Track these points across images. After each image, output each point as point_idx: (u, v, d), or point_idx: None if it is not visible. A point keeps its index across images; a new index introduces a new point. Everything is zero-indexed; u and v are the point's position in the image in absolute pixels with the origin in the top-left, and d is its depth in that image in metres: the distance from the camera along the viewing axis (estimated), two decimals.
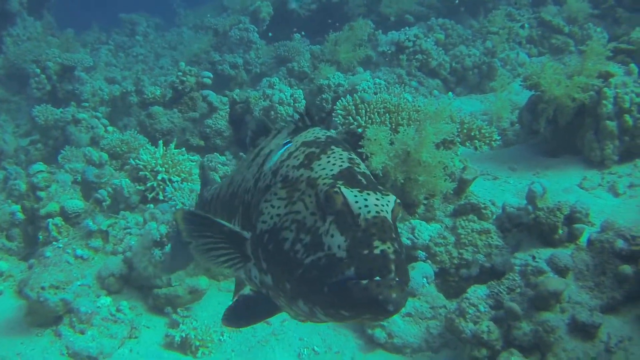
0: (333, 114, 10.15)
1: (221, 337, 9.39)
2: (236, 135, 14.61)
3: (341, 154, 3.33)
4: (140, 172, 11.71)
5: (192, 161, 12.66)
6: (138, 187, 11.59)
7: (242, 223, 3.66)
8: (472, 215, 9.50)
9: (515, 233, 9.24)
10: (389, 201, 2.95)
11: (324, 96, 13.99)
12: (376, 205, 2.88)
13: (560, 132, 12.16)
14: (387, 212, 2.89)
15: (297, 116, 3.94)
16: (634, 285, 7.58)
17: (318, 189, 3.00)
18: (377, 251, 2.70)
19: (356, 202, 2.87)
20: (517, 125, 13.86)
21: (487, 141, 10.32)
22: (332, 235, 2.82)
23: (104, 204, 11.55)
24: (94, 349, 8.97)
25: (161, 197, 11.43)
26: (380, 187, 3.08)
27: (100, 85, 17.45)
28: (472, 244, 9.27)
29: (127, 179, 11.66)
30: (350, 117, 9.94)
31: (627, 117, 11.15)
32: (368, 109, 9.88)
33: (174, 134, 14.47)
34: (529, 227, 8.93)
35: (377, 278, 2.63)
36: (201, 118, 14.67)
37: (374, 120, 9.73)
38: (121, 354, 9.11)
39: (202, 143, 14.46)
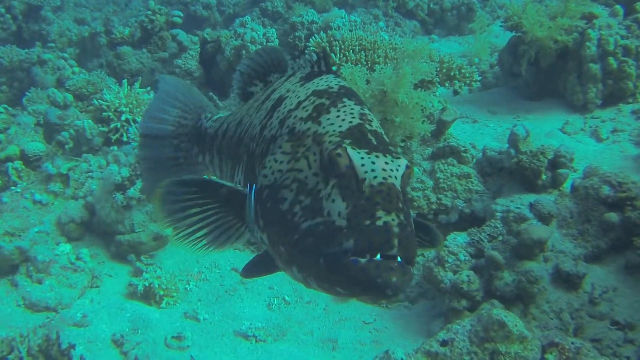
0: (306, 52, 9.70)
1: (187, 286, 9.06)
2: (207, 76, 14.13)
3: (352, 108, 3.06)
4: (104, 113, 11.23)
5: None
6: (101, 128, 11.11)
7: (245, 174, 3.46)
8: (452, 159, 9.21)
9: (496, 178, 8.95)
10: (399, 165, 2.72)
11: (296, 34, 13.54)
12: (384, 170, 2.66)
13: (542, 75, 11.85)
14: (395, 177, 2.66)
15: (315, 57, 3.64)
16: (619, 233, 7.36)
17: (323, 148, 2.79)
18: (379, 222, 2.48)
19: (362, 165, 2.64)
20: (496, 67, 13.53)
21: (468, 81, 10.00)
22: (333, 200, 2.61)
23: (66, 146, 11.05)
24: (52, 300, 8.60)
25: (125, 139, 10.98)
26: (391, 148, 2.84)
27: (69, 25, 16.92)
28: (452, 189, 9.00)
29: (89, 120, 11.14)
30: None
31: (611, 59, 10.85)
32: (343, 46, 9.52)
33: (142, 74, 13.94)
34: (511, 172, 8.68)
35: (378, 255, 2.43)
36: (171, 58, 14.19)
37: (348, 57, 9.37)
38: (81, 304, 8.70)
39: None
